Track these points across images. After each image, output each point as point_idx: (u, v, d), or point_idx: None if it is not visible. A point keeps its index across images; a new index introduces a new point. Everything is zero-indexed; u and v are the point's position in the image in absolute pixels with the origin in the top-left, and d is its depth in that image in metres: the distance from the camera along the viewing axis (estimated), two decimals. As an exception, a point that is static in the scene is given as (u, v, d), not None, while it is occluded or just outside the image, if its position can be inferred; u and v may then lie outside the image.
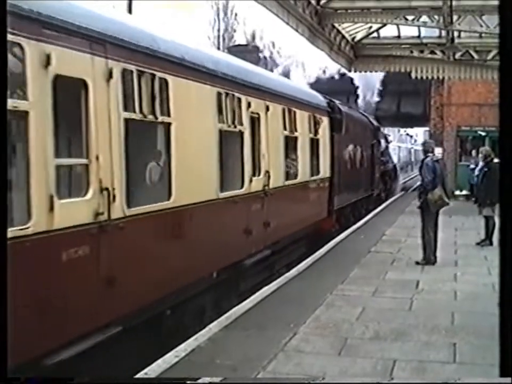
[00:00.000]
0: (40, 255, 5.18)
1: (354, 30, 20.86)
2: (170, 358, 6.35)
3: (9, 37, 4.36)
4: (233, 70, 9.67)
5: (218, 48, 43.24)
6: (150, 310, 7.10)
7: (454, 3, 15.77)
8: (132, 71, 6.54)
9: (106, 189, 5.99)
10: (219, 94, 8.85)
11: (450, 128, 30.07)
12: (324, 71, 35.45)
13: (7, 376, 3.62)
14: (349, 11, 17.83)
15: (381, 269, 11.18)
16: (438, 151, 18.90)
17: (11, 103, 4.73)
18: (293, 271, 11.06)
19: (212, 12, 50.43)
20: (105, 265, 6.02)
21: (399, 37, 21.65)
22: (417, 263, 11.67)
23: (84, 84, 5.79)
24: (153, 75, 6.91)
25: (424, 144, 12.82)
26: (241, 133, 9.75)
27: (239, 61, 11.25)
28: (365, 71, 24.18)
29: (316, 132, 14.37)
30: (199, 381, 5.57)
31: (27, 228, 4.99)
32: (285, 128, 12.10)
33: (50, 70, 5.27)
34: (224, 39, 50.09)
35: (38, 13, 5.19)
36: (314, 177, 14.44)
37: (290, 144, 12.51)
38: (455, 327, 7.65)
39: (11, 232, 4.56)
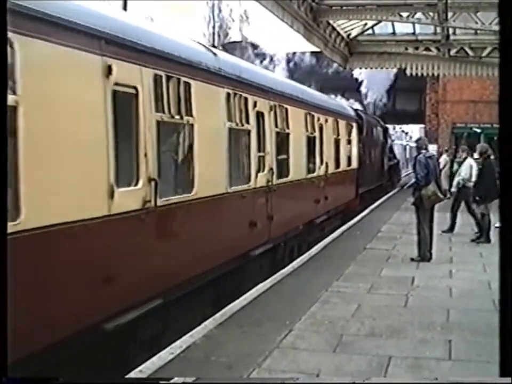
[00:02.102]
0: (253, 199, 10.27)
1: (350, 26, 20.89)
2: (165, 355, 6.34)
3: (246, 95, 9.87)
4: (310, 97, 15.06)
5: (213, 46, 43.20)
6: (281, 238, 12.08)
7: (449, 0, 15.79)
8: (276, 105, 11.52)
9: (271, 168, 11.11)
10: (305, 114, 13.91)
11: (445, 125, 30.13)
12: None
13: (7, 375, 3.59)
14: (344, 8, 17.87)
15: (377, 266, 11.18)
16: (432, 147, 19.01)
17: (247, 126, 10.00)
18: (288, 268, 11.05)
19: (207, 9, 50.43)
20: (269, 208, 10.96)
21: (394, 33, 21.66)
22: (412, 259, 11.68)
23: (262, 114, 10.77)
24: (282, 106, 11.97)
25: (417, 141, 12.82)
26: (314, 137, 14.73)
27: (311, 90, 17.84)
28: (360, 68, 24.22)
29: (349, 135, 19.50)
30: (172, 380, 5.54)
31: (249, 185, 10.12)
32: (333, 133, 16.98)
33: (255, 109, 10.29)
34: (219, 36, 50.06)
35: (251, 80, 10.27)
36: (349, 168, 19.29)
37: (336, 144, 17.39)
38: (451, 324, 7.65)
39: (241, 186, 9.76)
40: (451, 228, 15.31)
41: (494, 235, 13.40)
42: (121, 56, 6.20)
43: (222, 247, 8.96)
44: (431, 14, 17.61)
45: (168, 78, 7.22)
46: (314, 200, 14.69)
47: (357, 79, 37.76)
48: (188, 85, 7.67)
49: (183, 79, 7.55)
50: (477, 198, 13.83)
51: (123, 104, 6.31)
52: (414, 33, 21.49)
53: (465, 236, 14.65)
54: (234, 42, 44.06)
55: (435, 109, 30.97)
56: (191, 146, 7.91)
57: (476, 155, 15.17)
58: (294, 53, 37.70)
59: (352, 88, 38.05)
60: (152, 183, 6.68)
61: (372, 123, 25.69)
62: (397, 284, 9.80)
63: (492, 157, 13.88)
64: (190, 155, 7.93)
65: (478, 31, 19.52)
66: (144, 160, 6.61)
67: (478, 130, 28.43)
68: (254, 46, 42.98)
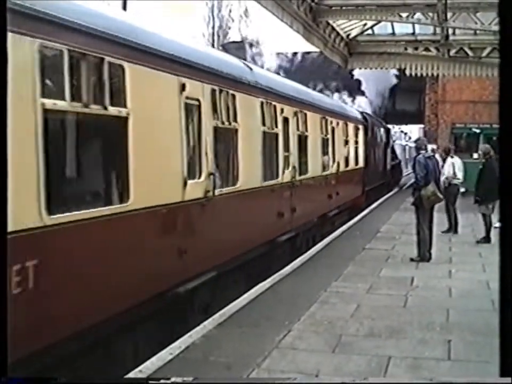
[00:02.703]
0: (280, 192, 11.99)
1: (349, 27, 20.88)
2: (164, 355, 6.34)
3: (275, 103, 11.58)
4: (324, 103, 17.23)
5: (213, 45, 43.15)
6: (301, 228, 13.68)
7: (448, 0, 15.78)
8: (298, 111, 13.26)
9: (294, 167, 12.81)
10: (321, 118, 15.72)
11: (445, 125, 30.13)
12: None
13: (7, 375, 3.59)
14: (344, 8, 17.86)
15: (376, 266, 11.18)
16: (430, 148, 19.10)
17: (276, 130, 11.74)
18: (288, 268, 11.05)
19: (207, 9, 50.36)
20: (292, 201, 12.58)
21: (393, 34, 21.66)
22: (411, 260, 11.68)
23: (287, 119, 12.44)
24: (302, 112, 13.68)
25: (417, 141, 12.82)
26: (327, 139, 16.55)
27: (325, 96, 20.93)
28: (360, 68, 24.21)
29: (357, 136, 21.36)
30: (172, 379, 5.54)
31: (278, 181, 11.79)
32: (343, 135, 18.78)
33: (282, 115, 12.04)
34: (218, 36, 50.01)
35: (279, 91, 12.04)
36: (357, 166, 21.11)
37: (346, 144, 19.32)
38: (450, 324, 7.65)
39: (272, 181, 11.37)
40: (450, 228, 15.33)
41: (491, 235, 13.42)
42: (190, 75, 7.91)
43: (258, 232, 10.80)
44: (430, 14, 17.61)
45: (220, 91, 8.95)
46: (328, 195, 16.49)
47: (357, 80, 37.74)
48: (233, 96, 9.45)
49: (230, 91, 9.34)
50: (478, 198, 13.85)
51: (190, 114, 8.09)
52: (413, 34, 21.49)
53: (464, 236, 14.65)
54: (234, 42, 43.98)
55: (434, 109, 30.99)
56: (236, 148, 9.70)
57: (475, 155, 15.22)
58: (296, 53, 37.68)
59: (352, 87, 38.04)
60: (211, 177, 8.39)
61: (376, 125, 27.23)
62: (396, 284, 9.80)
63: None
64: (236, 155, 9.71)
65: (478, 32, 19.53)
66: (205, 158, 8.33)
67: (477, 131, 28.37)
68: (254, 46, 42.93)
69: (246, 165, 9.91)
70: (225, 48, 34.51)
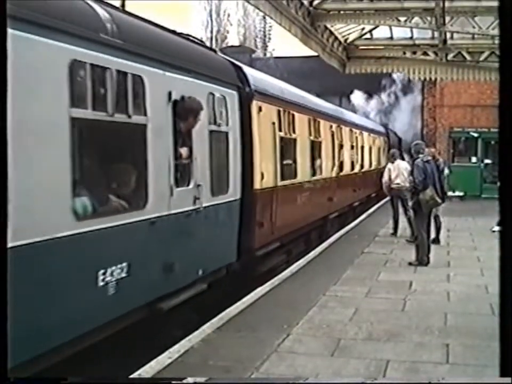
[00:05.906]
0: (356, 178, 21.29)
1: (347, 31, 20.87)
2: (163, 359, 6.33)
3: (352, 128, 21.88)
4: (368, 124, 26.59)
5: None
6: (361, 200, 22.60)
7: (446, 4, 15.79)
8: (358, 132, 22.09)
9: (359, 163, 22.05)
10: (367, 135, 24.30)
11: (443, 129, 30.14)
12: None
13: (7, 376, 3.60)
14: (342, 12, 17.83)
15: (374, 270, 11.19)
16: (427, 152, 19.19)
17: (352, 144, 21.02)
18: (286, 272, 11.05)
19: (205, 13, 50.40)
20: (359, 184, 21.68)
21: (391, 38, 21.67)
22: (410, 264, 11.69)
23: (357, 138, 21.81)
24: (362, 133, 23.21)
25: (415, 145, 12.82)
26: (371, 147, 24.99)
27: (370, 120, 30.45)
28: (357, 72, 24.20)
29: (383, 145, 28.87)
30: (184, 381, 5.54)
31: (355, 171, 21.32)
32: (376, 145, 26.71)
33: (354, 135, 21.33)
34: (217, 40, 50.04)
35: (354, 122, 22.44)
36: (380, 166, 26.72)
37: (378, 151, 27.20)
38: (448, 328, 7.66)
39: (351, 171, 20.62)
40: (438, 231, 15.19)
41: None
42: (351, 126, 20.45)
43: (349, 198, 19.70)
44: (428, 18, 17.60)
45: (351, 130, 19.33)
46: (371, 184, 24.06)
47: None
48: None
49: (350, 128, 19.61)
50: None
51: (332, 136, 16.86)
52: (411, 38, 21.47)
53: (462, 240, 14.66)
54: (232, 46, 44.01)
55: (432, 113, 31.01)
56: (351, 154, 19.40)
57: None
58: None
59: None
60: (338, 167, 17.18)
61: (393, 135, 33.45)
62: (394, 288, 9.81)
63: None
64: (349, 157, 19.20)
65: (475, 36, 19.54)
66: (337, 158, 17.23)
67: (475, 135, 28.42)
68: (252, 51, 42.98)
69: (349, 162, 19.01)
70: (224, 52, 34.51)
